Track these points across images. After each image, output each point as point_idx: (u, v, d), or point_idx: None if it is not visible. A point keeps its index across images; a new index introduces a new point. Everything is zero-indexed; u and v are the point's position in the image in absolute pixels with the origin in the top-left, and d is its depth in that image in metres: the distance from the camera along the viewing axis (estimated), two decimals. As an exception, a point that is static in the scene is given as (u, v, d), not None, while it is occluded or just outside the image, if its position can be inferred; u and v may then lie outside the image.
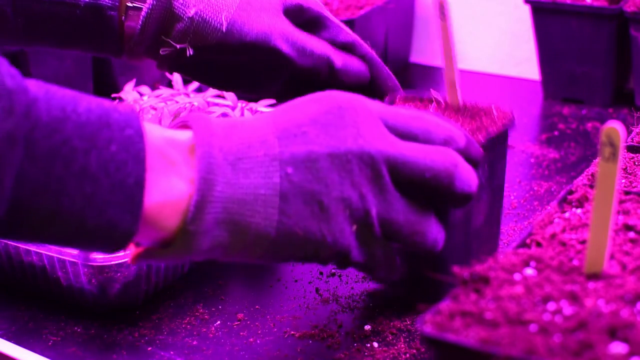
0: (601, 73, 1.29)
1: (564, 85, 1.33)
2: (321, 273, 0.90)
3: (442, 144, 0.66)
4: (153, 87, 1.09)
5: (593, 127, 1.25)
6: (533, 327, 0.52)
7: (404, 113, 0.66)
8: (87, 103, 0.57)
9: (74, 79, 1.23)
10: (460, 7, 1.47)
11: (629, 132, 0.83)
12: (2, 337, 0.81)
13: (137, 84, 1.08)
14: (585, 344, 0.50)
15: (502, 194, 0.87)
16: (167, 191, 0.59)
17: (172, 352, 0.79)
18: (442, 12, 0.78)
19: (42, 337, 0.81)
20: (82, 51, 0.86)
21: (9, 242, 0.84)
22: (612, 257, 0.60)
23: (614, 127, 0.55)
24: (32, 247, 0.82)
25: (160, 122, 0.94)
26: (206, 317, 0.84)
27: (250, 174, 0.60)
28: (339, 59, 0.82)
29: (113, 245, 0.59)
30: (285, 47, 0.80)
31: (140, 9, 0.81)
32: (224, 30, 0.79)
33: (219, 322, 0.83)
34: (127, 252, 0.77)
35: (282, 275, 0.90)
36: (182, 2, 0.80)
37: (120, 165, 0.56)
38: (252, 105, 1.01)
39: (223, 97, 1.03)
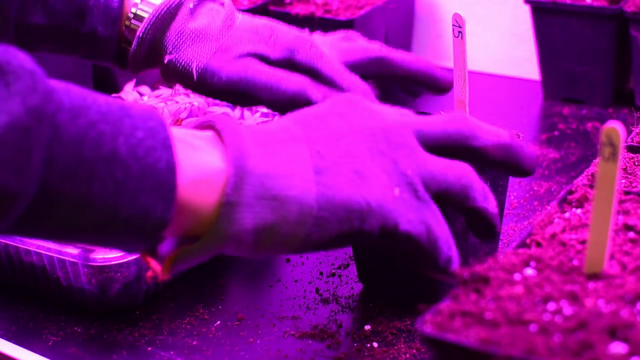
0: (601, 73, 1.29)
1: (564, 85, 1.33)
2: (321, 273, 0.90)
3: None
4: (153, 87, 1.09)
5: (593, 127, 1.25)
6: (533, 327, 0.52)
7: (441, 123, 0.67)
8: (105, 97, 0.56)
9: (74, 79, 1.22)
10: (460, 7, 1.47)
11: (629, 132, 0.83)
12: (2, 337, 0.81)
13: (137, 84, 1.08)
14: (585, 344, 0.50)
15: (503, 211, 0.87)
16: (200, 169, 0.57)
17: (172, 352, 0.79)
18: (459, 29, 0.79)
19: (42, 337, 0.81)
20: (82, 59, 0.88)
21: (9, 242, 0.84)
22: (612, 257, 0.60)
23: (614, 127, 0.55)
24: (32, 247, 0.82)
25: None
26: (206, 317, 0.84)
27: (281, 154, 0.60)
28: (317, 93, 0.80)
29: (144, 236, 0.57)
30: (257, 91, 0.80)
31: (134, 29, 0.83)
32: (194, 79, 0.81)
33: (219, 322, 0.83)
34: (149, 267, 0.77)
35: (282, 275, 0.90)
36: (168, 39, 0.82)
37: (149, 150, 0.55)
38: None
39: None
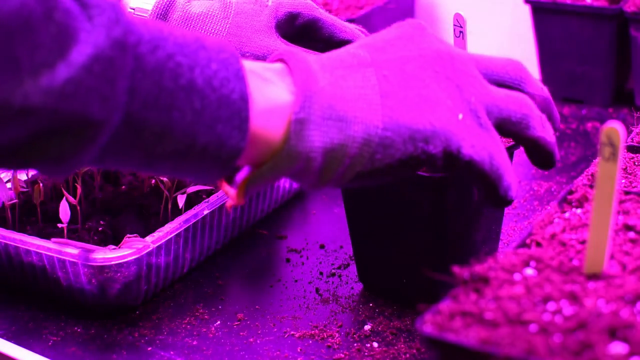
0: (601, 73, 1.29)
1: (564, 85, 1.33)
2: (321, 273, 0.90)
3: (517, 85, 0.70)
4: None
5: (593, 127, 1.25)
6: (533, 327, 0.52)
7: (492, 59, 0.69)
8: (180, 30, 0.58)
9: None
10: (460, 7, 1.47)
11: (629, 132, 0.83)
12: (2, 337, 0.81)
13: None
14: (585, 344, 0.50)
15: (503, 211, 0.87)
16: (271, 100, 0.59)
17: (172, 352, 0.79)
18: (460, 28, 0.79)
19: (42, 337, 0.81)
20: None
21: (9, 242, 0.84)
22: (612, 257, 0.60)
23: (614, 127, 0.55)
24: (32, 247, 0.82)
25: None
26: (206, 317, 0.84)
27: (349, 79, 0.61)
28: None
29: (220, 164, 0.58)
30: None
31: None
32: None
33: (219, 322, 0.83)
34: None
35: (282, 275, 0.90)
36: (173, 24, 0.84)
37: (224, 81, 0.57)
38: None
39: None
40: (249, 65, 0.60)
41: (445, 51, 0.65)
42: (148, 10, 0.84)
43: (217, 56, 0.57)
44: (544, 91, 0.70)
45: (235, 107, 0.57)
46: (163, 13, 0.83)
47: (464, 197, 0.79)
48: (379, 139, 0.61)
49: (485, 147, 0.64)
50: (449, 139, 0.62)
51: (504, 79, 0.68)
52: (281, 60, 0.63)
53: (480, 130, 0.64)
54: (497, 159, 0.64)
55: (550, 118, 0.70)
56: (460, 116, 0.63)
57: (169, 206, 0.90)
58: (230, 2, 0.85)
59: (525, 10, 1.36)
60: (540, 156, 0.69)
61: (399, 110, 0.61)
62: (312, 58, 0.62)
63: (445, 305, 0.55)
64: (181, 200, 0.88)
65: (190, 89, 0.56)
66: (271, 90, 0.60)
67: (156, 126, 0.55)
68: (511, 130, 0.66)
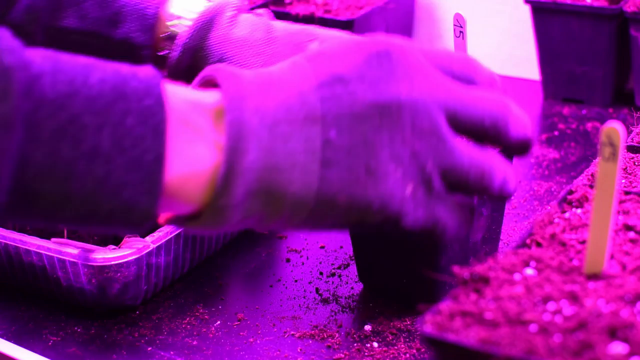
0: (601, 73, 1.29)
1: (564, 85, 1.33)
2: (321, 273, 0.90)
3: (488, 85, 0.62)
4: None
5: (593, 127, 1.25)
6: (533, 327, 0.52)
7: (452, 54, 0.62)
8: (102, 72, 0.53)
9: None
10: (460, 7, 1.47)
11: (629, 132, 0.83)
12: (2, 337, 0.81)
13: None
14: (585, 344, 0.50)
15: (503, 212, 0.87)
16: (191, 162, 0.54)
17: (172, 352, 0.79)
18: (460, 28, 0.79)
19: (42, 337, 0.81)
20: None
21: (9, 242, 0.84)
22: (612, 257, 0.60)
23: (614, 127, 0.55)
24: (32, 247, 0.82)
25: None
26: (206, 317, 0.84)
27: (289, 139, 0.55)
28: None
29: (131, 226, 0.54)
30: None
31: (173, 37, 0.83)
32: None
33: (219, 322, 0.83)
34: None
35: (282, 275, 0.90)
36: (211, 47, 0.82)
37: (138, 140, 0.52)
38: None
39: None
40: (179, 106, 0.54)
41: (407, 103, 0.57)
42: (189, 20, 0.82)
43: (139, 105, 0.52)
44: (527, 130, 0.63)
45: (148, 170, 0.52)
46: (204, 30, 0.82)
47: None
48: (308, 213, 0.57)
49: (432, 215, 0.59)
50: (388, 215, 0.58)
51: (478, 130, 0.60)
52: (224, 92, 0.56)
53: (430, 200, 0.59)
54: (444, 225, 0.60)
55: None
56: (409, 188, 0.58)
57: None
58: (273, 27, 0.83)
59: (525, 10, 1.36)
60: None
61: (338, 184, 0.56)
62: (252, 104, 0.55)
63: (445, 305, 0.55)
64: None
65: (94, 154, 0.51)
66: (195, 150, 0.54)
67: (52, 197, 0.51)
68: (469, 191, 0.61)
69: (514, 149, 0.62)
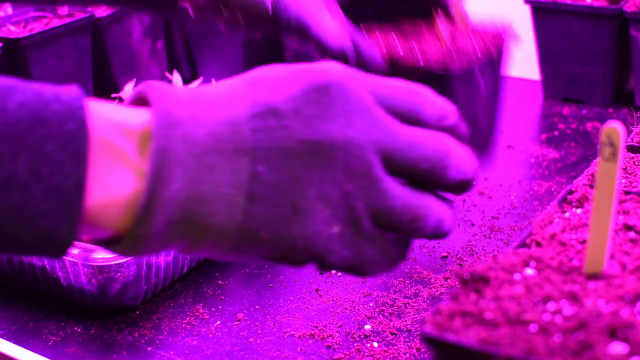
0: (601, 73, 1.29)
1: (564, 85, 1.33)
2: (321, 273, 0.90)
3: (435, 121, 0.60)
4: None
5: (593, 127, 1.25)
6: (533, 327, 0.52)
7: (399, 87, 0.59)
8: (22, 95, 0.50)
9: (74, 79, 1.23)
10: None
11: (629, 132, 0.83)
12: (2, 337, 0.81)
13: (137, 84, 1.08)
14: (585, 344, 0.50)
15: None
16: (113, 189, 0.52)
17: (172, 352, 0.79)
18: None
19: (42, 337, 0.81)
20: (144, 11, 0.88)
21: (9, 242, 0.84)
22: (612, 257, 0.60)
23: (614, 127, 0.55)
24: (32, 247, 0.82)
25: None
26: (206, 317, 0.84)
27: (216, 170, 0.53)
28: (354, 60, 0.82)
29: (51, 253, 0.52)
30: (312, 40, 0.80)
31: None
32: (270, 13, 0.80)
33: (219, 322, 0.83)
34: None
35: (282, 275, 0.90)
36: None
37: (57, 167, 0.50)
38: None
39: None
40: (104, 129, 0.52)
41: (341, 140, 0.55)
42: None
43: (59, 130, 0.50)
44: (470, 169, 0.60)
45: (67, 198, 0.50)
46: None
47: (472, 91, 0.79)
48: (230, 246, 0.55)
49: (359, 254, 0.58)
50: (311, 253, 0.56)
51: (415, 172, 0.58)
52: (154, 115, 0.53)
53: (357, 240, 0.57)
54: (370, 264, 0.58)
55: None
56: (336, 228, 0.56)
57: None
58: None
59: (526, 10, 1.36)
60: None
61: (263, 219, 0.54)
62: (182, 131, 0.53)
63: (445, 305, 0.55)
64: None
65: (9, 184, 0.49)
66: (117, 176, 0.52)
67: None
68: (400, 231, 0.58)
69: (451, 190, 0.60)
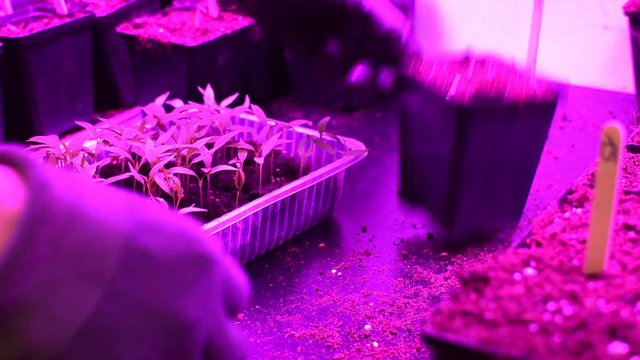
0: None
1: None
2: (321, 273, 0.90)
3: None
4: (185, 101, 1.06)
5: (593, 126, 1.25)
6: (533, 327, 0.52)
7: (239, 285, 0.56)
8: None
9: (74, 79, 1.23)
10: (460, 7, 1.47)
11: (629, 132, 0.83)
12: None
13: (151, 92, 1.07)
14: (585, 344, 0.50)
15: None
16: None
17: (172, 352, 0.79)
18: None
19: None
20: None
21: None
22: (612, 257, 0.60)
23: (614, 127, 0.55)
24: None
25: (176, 140, 0.93)
26: (206, 317, 0.84)
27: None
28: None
29: None
30: None
31: None
32: None
33: (219, 322, 0.83)
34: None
35: (282, 276, 0.90)
36: None
37: None
38: (288, 125, 1.01)
39: (251, 113, 1.02)
40: None
41: (187, 321, 0.52)
42: None
43: None
44: None
45: None
46: None
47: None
48: None
49: None
50: None
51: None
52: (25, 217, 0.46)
53: None
54: None
55: None
56: None
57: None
58: None
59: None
60: None
61: (83, 357, 0.49)
62: (42, 237, 0.46)
63: (445, 305, 0.55)
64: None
65: None
66: None
67: None
68: None
69: None
